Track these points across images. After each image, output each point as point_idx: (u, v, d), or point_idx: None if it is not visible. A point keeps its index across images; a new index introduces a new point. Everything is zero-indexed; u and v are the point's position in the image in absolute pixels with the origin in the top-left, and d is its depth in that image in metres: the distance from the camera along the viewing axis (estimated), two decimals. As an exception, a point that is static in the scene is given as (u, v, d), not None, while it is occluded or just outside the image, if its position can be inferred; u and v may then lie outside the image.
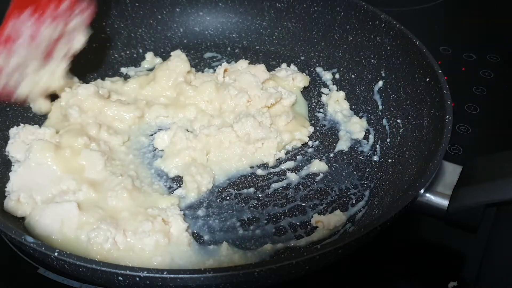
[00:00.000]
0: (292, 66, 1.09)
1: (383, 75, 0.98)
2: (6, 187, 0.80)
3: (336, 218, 0.79)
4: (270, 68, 1.05)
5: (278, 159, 0.90)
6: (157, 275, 0.56)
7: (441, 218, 0.73)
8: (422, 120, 0.85)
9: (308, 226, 0.80)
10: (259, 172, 0.88)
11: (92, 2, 0.86)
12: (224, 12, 1.16)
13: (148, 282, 0.57)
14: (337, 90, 1.03)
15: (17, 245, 0.73)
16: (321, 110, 1.01)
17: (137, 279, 0.57)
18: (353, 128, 0.95)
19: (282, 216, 0.81)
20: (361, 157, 0.91)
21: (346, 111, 0.99)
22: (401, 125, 0.91)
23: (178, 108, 0.95)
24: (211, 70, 1.09)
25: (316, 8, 1.09)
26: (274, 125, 0.91)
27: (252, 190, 0.85)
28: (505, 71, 1.18)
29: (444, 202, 0.72)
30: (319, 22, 1.09)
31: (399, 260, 0.81)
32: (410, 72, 0.91)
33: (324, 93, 1.04)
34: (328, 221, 0.78)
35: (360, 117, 0.98)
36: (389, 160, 0.89)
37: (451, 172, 0.74)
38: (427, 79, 0.85)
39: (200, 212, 0.81)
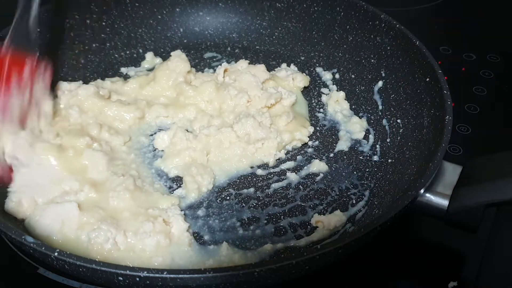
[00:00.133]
0: (292, 66, 1.09)
1: (383, 75, 0.98)
2: (8, 188, 0.79)
3: (336, 218, 0.79)
4: (270, 68, 1.05)
5: (278, 159, 0.90)
6: (157, 275, 0.56)
7: (441, 218, 0.73)
8: (422, 120, 0.85)
9: (308, 226, 0.80)
10: (259, 172, 0.88)
11: (49, 62, 0.85)
12: (224, 12, 1.16)
13: (148, 282, 0.57)
14: (337, 90, 1.03)
15: (17, 245, 0.73)
16: (321, 110, 1.01)
17: (137, 279, 0.57)
18: (353, 128, 0.95)
19: (282, 216, 0.81)
20: (361, 157, 0.91)
21: (346, 111, 0.99)
22: (401, 125, 0.91)
23: (178, 108, 0.95)
24: (211, 70, 1.09)
25: (316, 8, 1.09)
26: (274, 125, 0.91)
27: (252, 190, 0.85)
28: (505, 71, 1.18)
29: (444, 202, 0.72)
30: (319, 22, 1.09)
31: (399, 260, 0.81)
32: (410, 72, 0.91)
33: (324, 93, 1.04)
34: (328, 221, 0.78)
35: (360, 117, 0.98)
36: (389, 160, 0.89)
37: (451, 172, 0.74)
38: (427, 79, 0.85)
39: (200, 212, 0.81)
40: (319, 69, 1.09)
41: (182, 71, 0.99)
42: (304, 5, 1.10)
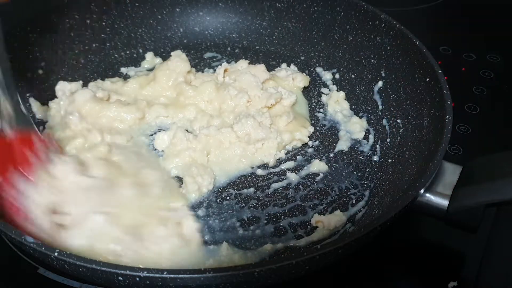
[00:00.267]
0: (292, 66, 1.09)
1: (383, 75, 0.98)
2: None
3: (336, 218, 0.79)
4: (270, 68, 1.05)
5: (278, 159, 0.90)
6: (157, 275, 0.56)
7: (441, 218, 0.73)
8: (422, 120, 0.85)
9: (308, 226, 0.80)
10: (259, 172, 0.88)
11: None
12: (224, 12, 1.16)
13: (148, 282, 0.57)
14: (337, 90, 1.03)
15: (17, 245, 0.73)
16: (321, 110, 1.01)
17: (137, 279, 0.57)
18: (353, 128, 0.95)
19: (282, 216, 0.81)
20: (361, 157, 0.91)
21: (346, 111, 0.99)
22: (401, 125, 0.91)
23: (178, 108, 0.95)
24: (211, 70, 1.09)
25: (316, 8, 1.09)
26: (274, 125, 0.91)
27: (252, 190, 0.85)
28: (505, 71, 1.18)
29: (444, 202, 0.72)
30: (319, 22, 1.09)
31: (399, 260, 0.81)
32: (410, 72, 0.91)
33: (324, 93, 1.04)
34: (328, 221, 0.78)
35: (360, 117, 0.98)
36: (389, 160, 0.89)
37: (451, 172, 0.74)
38: (427, 79, 0.85)
39: (200, 212, 0.81)
40: (319, 69, 1.09)
41: (182, 71, 0.99)
42: (304, 5, 1.10)
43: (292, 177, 0.87)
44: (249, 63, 1.03)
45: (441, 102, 0.79)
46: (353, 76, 1.05)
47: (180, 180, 0.85)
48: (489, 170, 0.72)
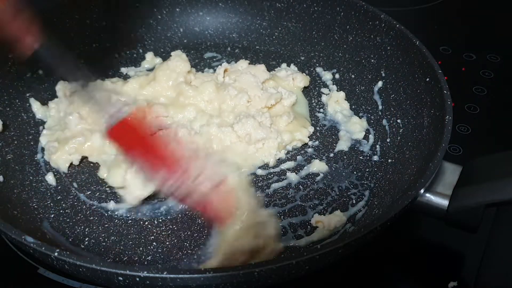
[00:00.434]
0: (292, 66, 1.09)
1: (383, 75, 0.98)
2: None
3: (336, 218, 0.79)
4: (270, 68, 1.05)
5: (278, 159, 0.90)
6: (157, 275, 0.56)
7: (441, 218, 0.73)
8: (422, 120, 0.85)
9: (308, 226, 0.80)
10: (259, 172, 0.88)
11: None
12: (224, 12, 1.16)
13: (148, 282, 0.57)
14: (337, 90, 1.03)
15: (17, 245, 0.73)
16: (321, 110, 1.01)
17: (137, 279, 0.57)
18: (353, 128, 0.95)
19: (282, 216, 0.81)
20: (361, 157, 0.91)
21: (346, 111, 0.99)
22: (401, 125, 0.91)
23: (178, 108, 0.95)
24: (211, 70, 1.09)
25: (316, 8, 1.09)
26: (274, 126, 0.91)
27: (252, 190, 0.85)
28: (505, 71, 1.18)
29: (444, 202, 0.72)
30: (319, 22, 1.09)
31: (399, 260, 0.81)
32: (410, 72, 0.91)
33: (324, 93, 1.04)
34: (328, 221, 0.78)
35: (360, 117, 0.98)
36: (389, 160, 0.89)
37: (451, 172, 0.74)
38: (427, 79, 0.85)
39: (200, 212, 0.81)
40: (319, 69, 1.09)
41: (182, 71, 0.99)
42: (304, 5, 1.10)
43: (292, 177, 0.87)
44: (249, 63, 1.03)
45: (441, 102, 0.79)
46: (353, 76, 1.05)
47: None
48: (489, 170, 0.72)
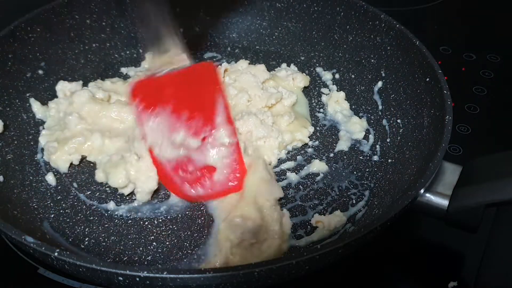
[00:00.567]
0: (292, 66, 1.09)
1: (383, 75, 0.98)
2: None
3: (336, 218, 0.79)
4: (270, 68, 1.05)
5: (279, 159, 0.90)
6: (157, 275, 0.56)
7: (441, 218, 0.73)
8: (422, 120, 0.85)
9: (308, 226, 0.80)
10: (259, 172, 0.88)
11: None
12: (224, 12, 1.16)
13: (148, 282, 0.57)
14: (337, 90, 1.03)
15: (17, 245, 0.73)
16: (321, 110, 1.01)
17: (137, 279, 0.57)
18: (353, 128, 0.95)
19: (282, 216, 0.81)
20: (361, 157, 0.91)
21: (346, 111, 0.99)
22: (401, 125, 0.91)
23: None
24: (211, 70, 1.08)
25: (316, 8, 1.09)
26: (276, 125, 0.91)
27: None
28: (505, 71, 1.18)
29: (444, 202, 0.72)
30: (319, 22, 1.09)
31: (399, 260, 0.81)
32: (410, 72, 0.91)
33: (324, 93, 1.04)
34: (329, 221, 0.78)
35: (360, 117, 0.98)
36: (389, 160, 0.89)
37: (451, 172, 0.74)
38: (427, 79, 0.85)
39: (200, 212, 0.81)
40: (319, 69, 1.09)
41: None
42: (304, 5, 1.10)
43: (292, 177, 0.87)
44: (249, 63, 1.03)
45: (441, 102, 0.79)
46: (353, 76, 1.05)
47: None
48: (489, 170, 0.72)
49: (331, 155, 0.92)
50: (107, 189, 0.85)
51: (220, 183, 0.81)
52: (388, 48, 0.97)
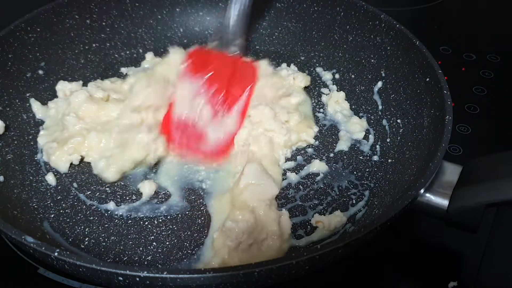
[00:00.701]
0: (292, 66, 1.09)
1: (383, 75, 0.98)
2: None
3: (336, 219, 0.79)
4: (270, 68, 1.05)
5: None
6: (157, 275, 0.56)
7: (441, 218, 0.73)
8: (422, 120, 0.85)
9: (308, 226, 0.80)
10: (259, 172, 0.88)
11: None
12: (224, 12, 1.16)
13: (148, 282, 0.57)
14: (337, 90, 1.03)
15: (17, 245, 0.73)
16: (321, 110, 1.01)
17: (137, 279, 0.57)
18: (353, 128, 0.95)
19: (282, 216, 0.81)
20: (361, 157, 0.91)
21: (346, 111, 0.99)
22: (401, 125, 0.91)
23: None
24: (211, 70, 1.08)
25: (316, 8, 1.09)
26: (287, 123, 0.91)
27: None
28: (505, 71, 1.18)
29: (444, 202, 0.72)
30: (319, 22, 1.09)
31: (399, 260, 0.81)
32: (410, 72, 0.91)
33: (324, 93, 1.04)
34: (329, 221, 0.78)
35: (360, 117, 0.98)
36: (389, 160, 0.89)
37: (451, 172, 0.74)
38: (427, 79, 0.85)
39: (200, 212, 0.81)
40: (319, 69, 1.09)
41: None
42: (304, 5, 1.10)
43: (292, 177, 0.87)
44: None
45: (441, 102, 0.79)
46: (353, 76, 1.05)
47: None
48: (489, 170, 0.72)
49: (331, 155, 0.92)
50: (107, 189, 0.85)
51: (203, 152, 0.89)
52: (388, 48, 0.97)
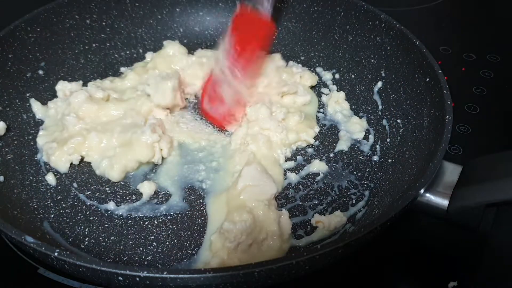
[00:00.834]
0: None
1: (383, 75, 0.98)
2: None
3: (336, 219, 0.79)
4: (270, 68, 1.05)
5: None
6: (157, 275, 0.56)
7: (441, 218, 0.73)
8: (422, 120, 0.85)
9: (308, 226, 0.80)
10: (259, 172, 0.88)
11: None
12: (224, 12, 1.16)
13: (148, 282, 0.57)
14: (337, 90, 1.03)
15: (17, 245, 0.73)
16: (321, 110, 1.01)
17: (137, 279, 0.57)
18: (353, 128, 0.95)
19: (282, 216, 0.81)
20: (361, 157, 0.91)
21: (346, 111, 0.99)
22: (401, 125, 0.91)
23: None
24: (211, 70, 1.08)
25: (316, 8, 1.09)
26: (284, 122, 0.92)
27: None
28: (505, 71, 1.18)
29: (444, 202, 0.72)
30: (319, 22, 1.09)
31: (399, 260, 0.81)
32: (410, 72, 0.91)
33: (324, 93, 1.04)
34: (329, 221, 0.78)
35: (360, 117, 0.98)
36: (389, 160, 0.89)
37: (451, 172, 0.74)
38: (427, 79, 0.85)
39: (200, 212, 0.81)
40: (319, 69, 1.09)
41: (181, 53, 1.02)
42: (304, 5, 1.10)
43: (292, 177, 0.87)
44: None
45: (441, 102, 0.79)
46: (353, 76, 1.05)
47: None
48: (489, 170, 0.72)
49: (331, 155, 0.92)
50: (107, 189, 0.85)
51: (220, 113, 0.95)
52: (388, 48, 0.97)
